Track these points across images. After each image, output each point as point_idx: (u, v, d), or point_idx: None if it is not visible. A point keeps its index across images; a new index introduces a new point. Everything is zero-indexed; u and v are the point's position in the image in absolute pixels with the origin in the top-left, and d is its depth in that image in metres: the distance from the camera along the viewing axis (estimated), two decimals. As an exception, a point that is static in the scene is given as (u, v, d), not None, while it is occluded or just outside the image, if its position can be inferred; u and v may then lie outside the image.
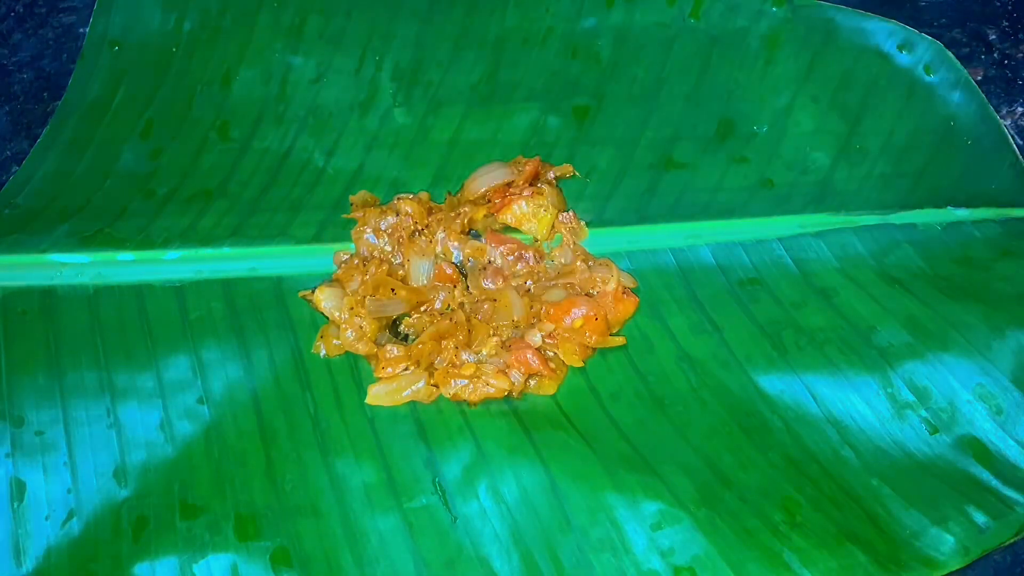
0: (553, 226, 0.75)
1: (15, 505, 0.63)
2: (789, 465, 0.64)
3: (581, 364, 0.69)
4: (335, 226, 0.76)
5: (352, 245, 0.75)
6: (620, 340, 0.70)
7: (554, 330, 0.69)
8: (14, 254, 0.73)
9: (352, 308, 0.70)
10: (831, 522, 0.61)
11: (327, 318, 0.71)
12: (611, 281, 0.71)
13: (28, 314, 0.71)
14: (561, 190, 0.77)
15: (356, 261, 0.72)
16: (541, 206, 0.74)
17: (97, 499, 0.63)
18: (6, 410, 0.66)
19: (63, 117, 0.82)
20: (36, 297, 0.72)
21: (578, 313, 0.69)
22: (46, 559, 0.61)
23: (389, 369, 0.68)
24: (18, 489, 0.64)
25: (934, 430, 0.66)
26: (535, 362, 0.68)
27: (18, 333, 0.70)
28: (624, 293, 0.71)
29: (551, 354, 0.69)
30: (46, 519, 0.63)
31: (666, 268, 0.75)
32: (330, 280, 0.73)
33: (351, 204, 0.77)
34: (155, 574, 0.61)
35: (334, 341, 0.70)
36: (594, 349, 0.70)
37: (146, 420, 0.67)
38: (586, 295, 0.71)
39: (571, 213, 0.76)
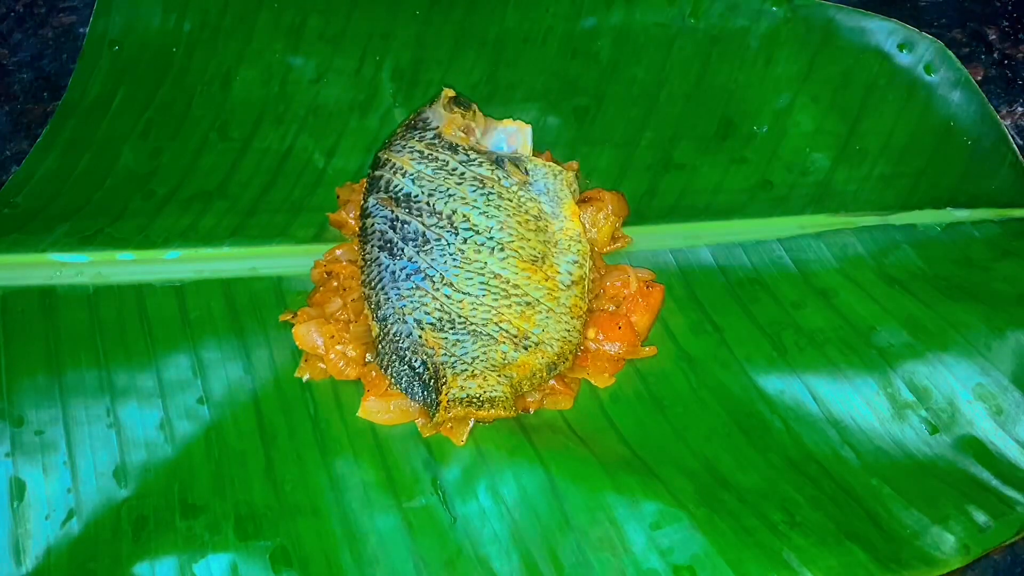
0: (613, 235, 0.72)
1: (15, 505, 0.63)
2: (789, 465, 0.64)
3: (613, 381, 0.68)
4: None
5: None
6: (651, 351, 0.69)
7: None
8: (14, 254, 0.73)
9: (333, 336, 0.67)
10: (831, 521, 0.61)
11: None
12: (631, 283, 0.69)
13: (28, 314, 0.71)
14: (623, 195, 0.75)
15: (335, 284, 0.70)
16: (600, 212, 0.72)
17: (97, 499, 0.63)
18: (6, 410, 0.66)
19: (63, 117, 0.82)
20: (36, 297, 0.72)
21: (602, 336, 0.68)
22: (46, 559, 0.61)
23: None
24: (18, 489, 0.64)
25: (934, 430, 0.66)
26: (552, 381, 0.67)
27: (18, 333, 0.70)
28: (648, 287, 0.70)
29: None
30: (46, 519, 0.63)
31: (666, 268, 0.75)
32: (308, 296, 0.71)
33: (337, 196, 0.76)
34: (155, 574, 0.61)
35: (319, 365, 0.67)
36: (625, 360, 0.68)
37: (146, 420, 0.67)
38: (606, 312, 0.68)
39: None
